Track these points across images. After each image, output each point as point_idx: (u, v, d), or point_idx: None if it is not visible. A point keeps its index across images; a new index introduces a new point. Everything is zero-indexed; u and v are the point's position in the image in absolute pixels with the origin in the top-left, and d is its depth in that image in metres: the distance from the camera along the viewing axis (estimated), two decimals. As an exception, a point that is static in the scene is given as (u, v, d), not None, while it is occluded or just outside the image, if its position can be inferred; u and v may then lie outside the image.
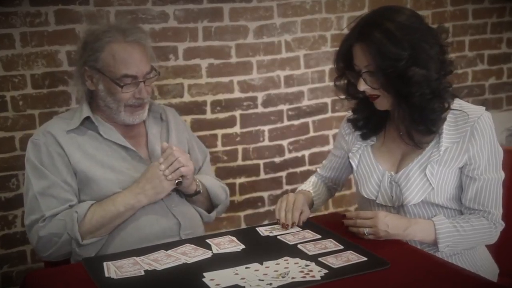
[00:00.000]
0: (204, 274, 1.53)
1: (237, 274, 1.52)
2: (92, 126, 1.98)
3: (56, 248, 1.87)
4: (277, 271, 1.53)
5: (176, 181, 1.92)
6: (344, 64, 1.82)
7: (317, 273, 1.51)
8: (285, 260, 1.59)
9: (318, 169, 2.15)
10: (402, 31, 1.69)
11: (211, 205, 2.13)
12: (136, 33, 1.95)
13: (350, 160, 1.95)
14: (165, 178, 1.89)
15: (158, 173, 1.89)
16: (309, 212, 1.93)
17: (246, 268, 1.55)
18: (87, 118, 1.97)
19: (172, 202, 1.98)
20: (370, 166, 1.89)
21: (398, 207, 1.84)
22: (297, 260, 1.60)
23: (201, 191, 2.04)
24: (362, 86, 1.77)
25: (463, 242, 1.76)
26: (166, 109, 2.19)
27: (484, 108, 1.81)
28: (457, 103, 1.81)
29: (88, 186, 1.92)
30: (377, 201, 1.87)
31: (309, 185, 2.08)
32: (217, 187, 2.14)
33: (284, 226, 1.83)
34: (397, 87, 1.73)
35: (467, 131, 1.76)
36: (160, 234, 1.92)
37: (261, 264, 1.58)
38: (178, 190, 2.00)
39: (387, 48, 1.68)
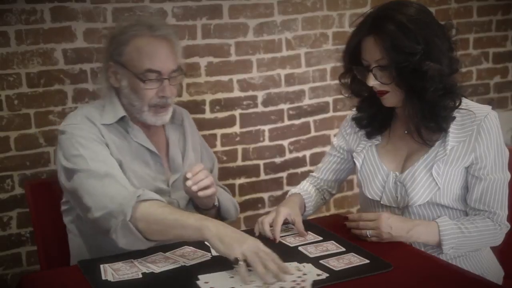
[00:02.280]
0: (199, 276, 1.53)
1: (232, 277, 1.51)
2: (123, 124, 1.94)
3: (105, 213, 1.70)
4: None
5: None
6: (351, 59, 1.81)
7: (309, 284, 1.47)
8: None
9: (311, 173, 2.11)
10: (415, 24, 1.69)
11: (219, 219, 2.04)
12: (164, 29, 1.91)
13: (355, 160, 1.95)
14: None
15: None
16: (300, 217, 1.85)
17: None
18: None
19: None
20: (375, 166, 1.89)
21: (402, 208, 1.84)
22: (297, 266, 1.57)
23: (217, 205, 2.00)
24: (372, 82, 1.76)
25: (467, 244, 1.77)
26: (182, 112, 2.14)
27: (490, 107, 1.81)
28: (463, 102, 1.81)
29: None
30: (381, 202, 1.87)
31: (299, 189, 2.02)
32: (229, 203, 2.09)
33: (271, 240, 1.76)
34: (411, 82, 1.72)
35: (473, 130, 1.76)
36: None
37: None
38: (191, 199, 1.95)
39: (402, 41, 1.68)
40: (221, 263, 1.60)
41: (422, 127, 1.78)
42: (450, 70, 1.75)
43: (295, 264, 1.58)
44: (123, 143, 1.92)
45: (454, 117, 1.78)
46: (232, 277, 1.52)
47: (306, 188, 2.03)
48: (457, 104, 1.78)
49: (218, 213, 2.05)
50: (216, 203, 1.99)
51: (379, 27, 1.71)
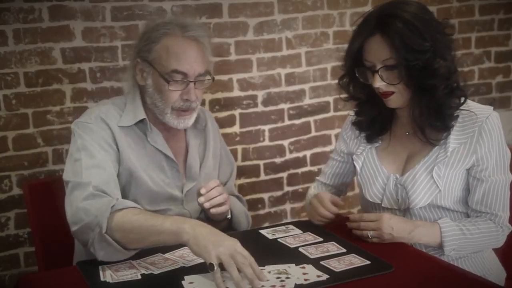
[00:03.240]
0: (185, 277, 1.53)
1: None
2: (142, 126, 1.91)
3: (81, 226, 1.69)
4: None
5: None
6: (353, 61, 1.79)
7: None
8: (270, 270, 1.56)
9: (317, 178, 2.12)
10: (420, 22, 1.69)
11: (229, 229, 2.01)
12: (196, 30, 1.88)
13: (354, 163, 1.94)
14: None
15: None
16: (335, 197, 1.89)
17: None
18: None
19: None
20: (375, 169, 1.89)
21: (403, 210, 1.84)
22: (278, 269, 1.56)
23: (230, 217, 1.97)
24: (378, 83, 1.74)
25: (469, 246, 1.76)
26: (205, 114, 2.09)
27: (491, 108, 1.81)
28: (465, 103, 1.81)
29: (127, 187, 1.86)
30: (382, 205, 1.87)
31: (315, 191, 2.04)
32: (242, 215, 2.05)
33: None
34: (421, 80, 1.71)
35: (474, 131, 1.76)
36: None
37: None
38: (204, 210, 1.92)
39: (411, 39, 1.67)
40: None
41: (428, 126, 1.78)
42: (454, 66, 1.75)
43: (278, 267, 1.57)
44: (139, 147, 1.90)
45: (457, 116, 1.78)
46: None
47: (322, 190, 2.05)
48: (462, 101, 1.78)
49: (229, 225, 2.00)
50: (229, 216, 1.96)
51: (386, 25, 1.69)
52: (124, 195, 1.83)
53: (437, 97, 1.73)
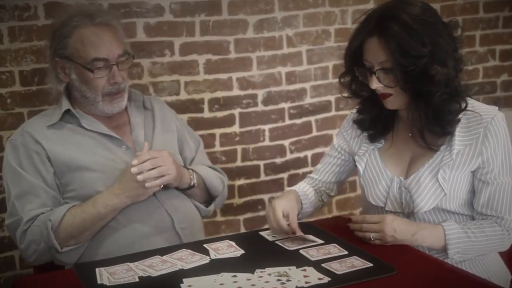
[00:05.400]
0: (183, 279, 1.54)
1: (215, 281, 1.52)
2: (73, 119, 1.98)
3: (37, 255, 1.88)
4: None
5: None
6: (353, 60, 1.79)
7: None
8: (268, 272, 1.56)
9: (309, 175, 2.11)
10: (420, 25, 1.67)
11: (209, 197, 2.13)
12: (104, 16, 1.96)
13: (357, 164, 1.94)
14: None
15: (134, 177, 1.85)
16: (296, 211, 1.84)
17: (233, 276, 1.55)
18: (67, 111, 1.97)
19: (163, 195, 1.97)
20: (378, 171, 1.88)
21: (408, 213, 1.83)
22: (279, 271, 1.57)
23: (196, 184, 2.03)
24: (375, 84, 1.74)
25: (474, 249, 1.76)
26: (151, 98, 2.20)
27: (497, 108, 1.80)
28: (469, 103, 1.80)
29: (72, 180, 1.92)
30: (386, 208, 1.86)
31: (294, 188, 2.01)
32: (214, 177, 2.12)
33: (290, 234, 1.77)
34: (417, 86, 1.70)
35: (480, 133, 1.75)
36: (154, 230, 1.92)
37: (253, 273, 1.56)
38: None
39: (408, 44, 1.66)
40: (220, 266, 1.60)
41: (426, 131, 1.77)
42: (455, 71, 1.74)
43: (278, 269, 1.57)
44: (77, 136, 1.96)
45: (459, 119, 1.77)
46: (215, 281, 1.52)
47: (302, 188, 2.02)
48: (463, 106, 1.76)
49: (205, 192, 2.09)
50: (193, 183, 2.01)
51: (383, 28, 1.69)
52: (75, 187, 1.92)
53: (434, 103, 1.72)
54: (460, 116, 1.77)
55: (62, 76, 1.98)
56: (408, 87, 1.72)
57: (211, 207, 2.12)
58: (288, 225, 1.76)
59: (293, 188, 2.02)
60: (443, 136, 1.78)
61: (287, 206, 1.81)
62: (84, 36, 1.91)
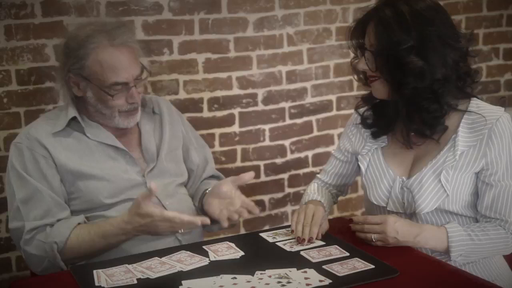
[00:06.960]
0: (182, 282, 1.54)
1: (214, 283, 1.52)
2: (78, 127, 1.96)
3: (43, 268, 1.86)
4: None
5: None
6: (357, 42, 1.85)
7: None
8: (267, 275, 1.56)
9: (318, 175, 2.12)
10: (416, 18, 1.71)
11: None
12: (122, 34, 1.92)
13: (359, 163, 1.94)
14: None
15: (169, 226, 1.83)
16: (328, 226, 1.85)
17: (233, 278, 1.55)
18: (73, 118, 1.95)
19: (167, 200, 1.97)
20: (380, 171, 1.88)
21: (410, 214, 1.83)
22: (279, 273, 1.56)
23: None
24: (362, 65, 1.81)
25: (477, 252, 1.76)
26: (158, 100, 2.17)
27: (503, 109, 1.80)
28: (474, 103, 1.80)
29: (77, 188, 1.91)
30: (387, 208, 1.86)
31: (315, 194, 2.01)
32: None
33: (300, 241, 1.75)
34: (392, 73, 1.75)
35: (484, 134, 1.75)
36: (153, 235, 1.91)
37: (253, 275, 1.56)
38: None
39: (393, 30, 1.72)
40: (219, 268, 1.60)
41: (407, 128, 1.81)
42: (445, 77, 1.73)
43: (279, 271, 1.57)
44: (82, 145, 1.95)
45: (446, 127, 1.78)
46: (215, 283, 1.52)
47: (320, 192, 2.02)
48: (444, 113, 1.76)
49: None
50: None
51: (377, 12, 1.76)
52: (80, 195, 1.91)
53: (406, 95, 1.74)
54: (465, 116, 1.77)
55: (75, 90, 1.94)
56: (384, 73, 1.76)
57: (215, 227, 2.06)
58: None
59: (316, 197, 1.98)
60: (422, 137, 1.80)
61: (325, 219, 1.85)
62: (102, 59, 1.87)
